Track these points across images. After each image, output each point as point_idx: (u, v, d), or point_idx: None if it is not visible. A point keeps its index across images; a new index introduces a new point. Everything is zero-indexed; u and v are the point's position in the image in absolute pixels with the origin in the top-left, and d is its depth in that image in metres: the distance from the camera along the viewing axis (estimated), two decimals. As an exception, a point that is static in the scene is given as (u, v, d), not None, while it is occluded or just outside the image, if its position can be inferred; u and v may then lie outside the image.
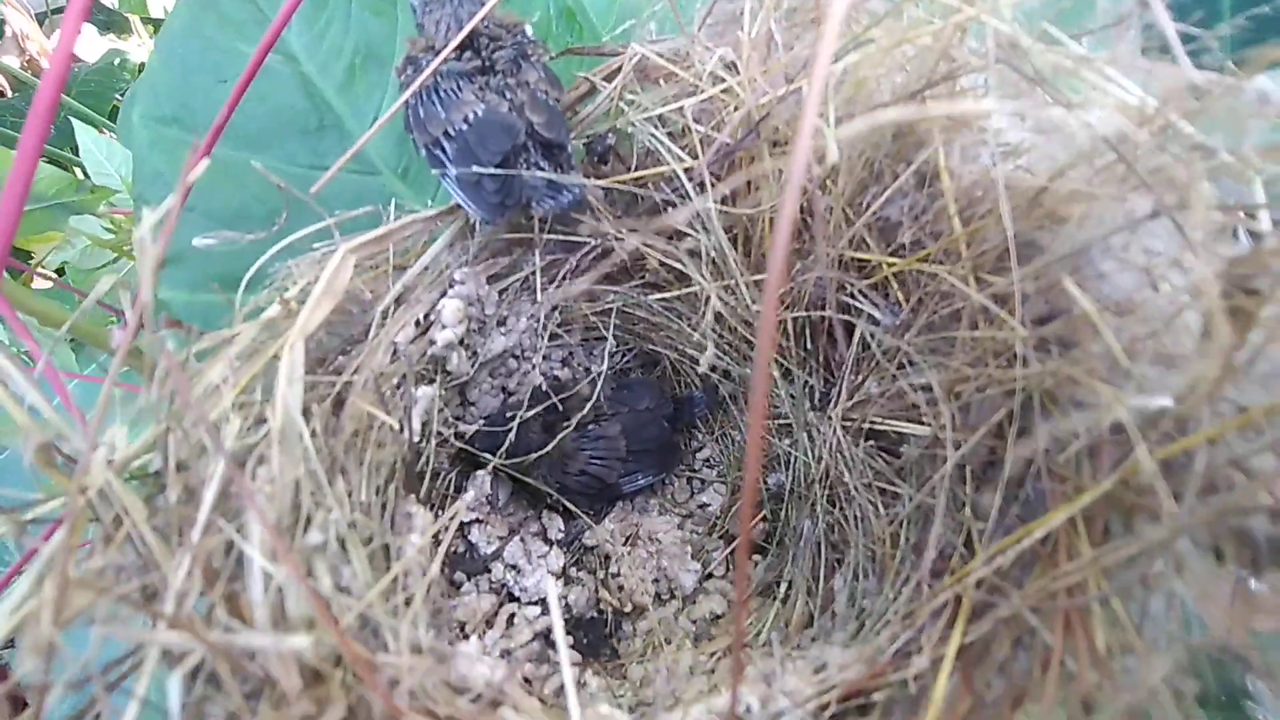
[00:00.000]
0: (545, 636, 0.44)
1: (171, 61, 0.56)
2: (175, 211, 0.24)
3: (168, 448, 0.27)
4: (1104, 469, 0.21)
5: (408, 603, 0.24)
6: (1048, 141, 0.25)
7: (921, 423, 0.33)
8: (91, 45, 1.41)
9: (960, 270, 0.28)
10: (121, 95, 1.24)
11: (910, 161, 0.30)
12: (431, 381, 0.38)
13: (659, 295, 0.46)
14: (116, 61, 1.23)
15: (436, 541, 0.31)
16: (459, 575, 0.45)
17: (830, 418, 0.38)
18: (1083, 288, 0.23)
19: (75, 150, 0.90)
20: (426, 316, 0.38)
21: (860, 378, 0.37)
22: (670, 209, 0.38)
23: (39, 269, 0.87)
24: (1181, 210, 0.20)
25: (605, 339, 0.48)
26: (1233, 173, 0.19)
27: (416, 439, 0.35)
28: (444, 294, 0.38)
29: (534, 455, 0.42)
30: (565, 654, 0.19)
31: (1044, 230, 0.26)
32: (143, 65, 1.28)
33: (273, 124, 0.57)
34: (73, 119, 0.88)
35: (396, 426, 0.31)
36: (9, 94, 1.25)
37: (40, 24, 1.40)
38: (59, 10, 1.41)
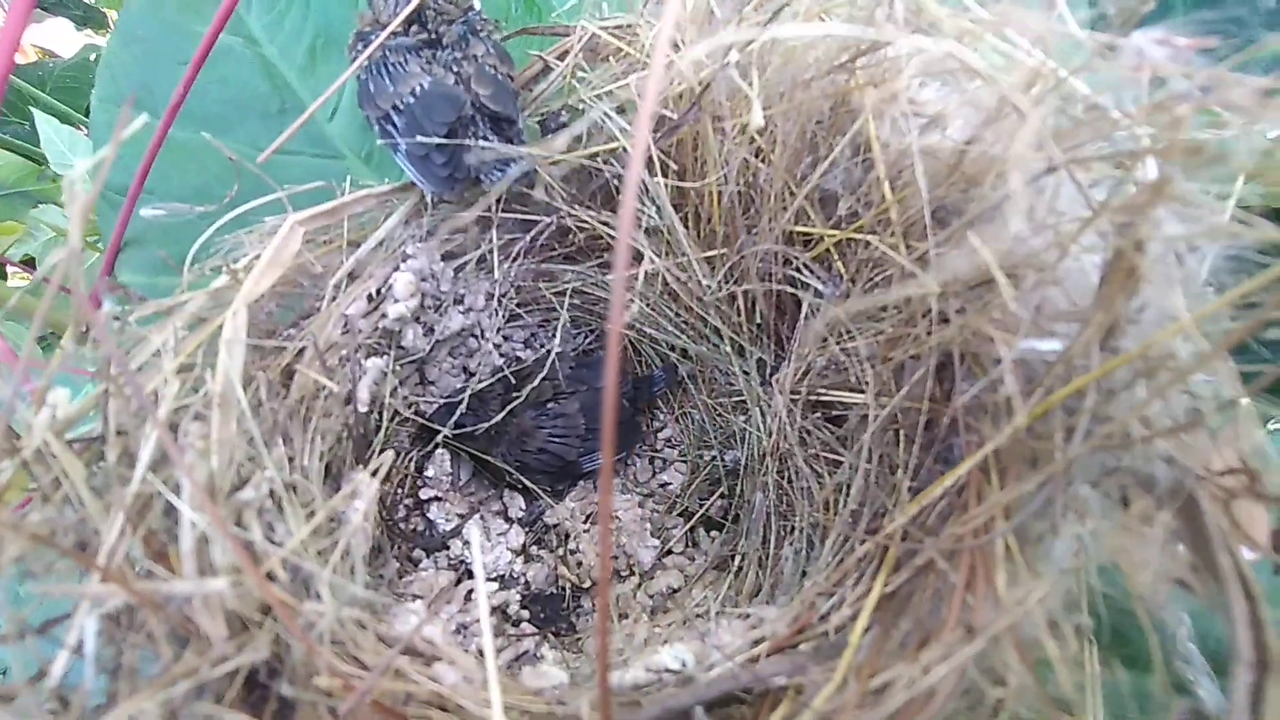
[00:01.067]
0: (503, 611, 0.44)
1: (131, 44, 0.56)
2: (108, 165, 0.24)
3: (107, 410, 0.27)
4: (1015, 409, 0.22)
5: (344, 557, 0.24)
6: (968, 110, 0.26)
7: (861, 391, 0.33)
8: (68, 40, 1.39)
9: (890, 238, 0.29)
10: None
11: (844, 132, 0.31)
12: (382, 354, 0.38)
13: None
14: (93, 57, 1.21)
15: (384, 508, 0.31)
16: (418, 552, 0.46)
17: (779, 389, 0.39)
18: (996, 246, 0.24)
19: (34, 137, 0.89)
20: (379, 291, 0.38)
21: (807, 350, 0.38)
22: (622, 183, 0.39)
23: (7, 262, 0.86)
24: (1076, 166, 0.21)
25: (562, 317, 0.48)
26: (1123, 128, 0.20)
27: (364, 409, 0.35)
28: (396, 268, 0.39)
29: (486, 426, 0.42)
30: (481, 577, 0.19)
31: (965, 195, 0.26)
32: None
33: (234, 107, 0.57)
34: (34, 110, 0.87)
35: (339, 393, 0.32)
36: None
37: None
38: (45, 7, 1.38)
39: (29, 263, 0.90)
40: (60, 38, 1.40)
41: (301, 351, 0.33)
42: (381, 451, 0.35)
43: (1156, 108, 0.19)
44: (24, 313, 0.54)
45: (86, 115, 1.14)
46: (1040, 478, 0.19)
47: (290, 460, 0.28)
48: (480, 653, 0.38)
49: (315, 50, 0.57)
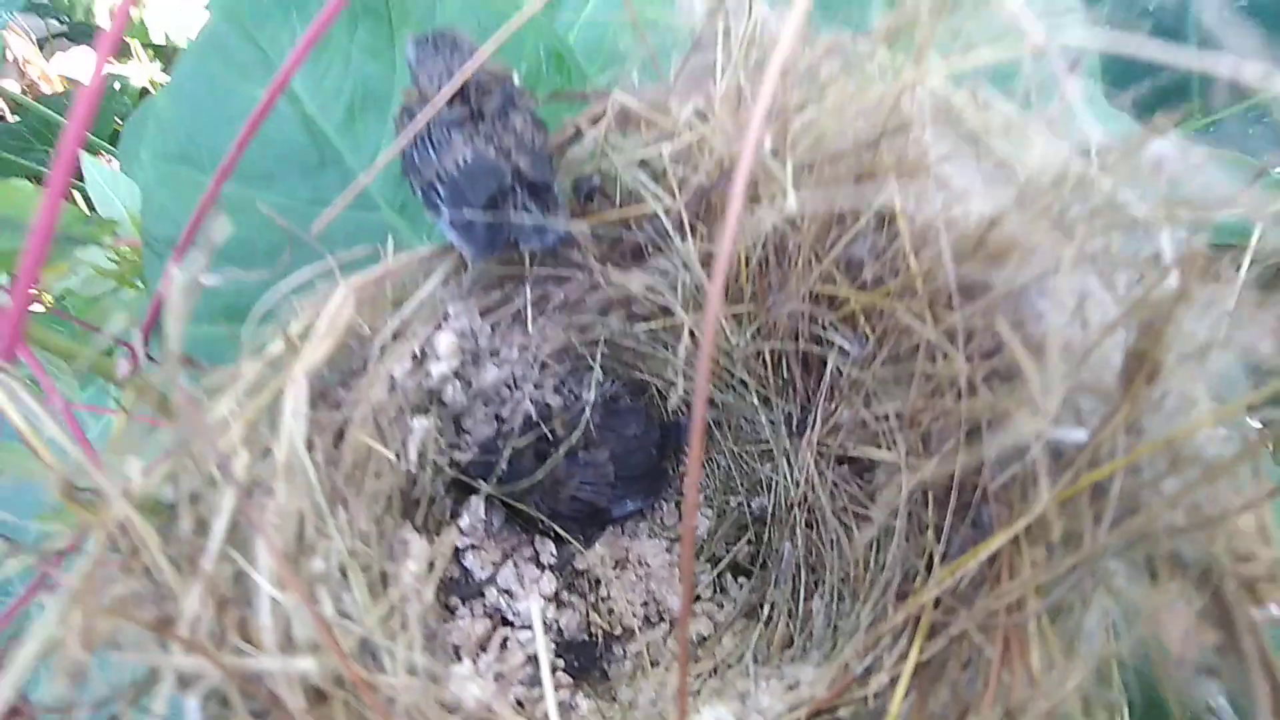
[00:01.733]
0: (537, 660, 0.45)
1: (180, 102, 0.59)
2: (190, 257, 0.26)
3: (180, 481, 0.29)
4: (1041, 495, 0.23)
5: (404, 626, 0.25)
6: (992, 188, 0.27)
7: (889, 449, 0.34)
8: (91, 69, 1.45)
9: (917, 306, 0.30)
10: (121, 119, 1.27)
11: (870, 203, 0.32)
12: (426, 412, 0.40)
13: (645, 325, 0.48)
14: (117, 86, 1.26)
15: (431, 566, 0.33)
16: (453, 600, 0.47)
17: (806, 444, 0.40)
18: (1023, 325, 0.25)
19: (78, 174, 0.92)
20: (422, 350, 0.40)
21: (834, 405, 0.39)
22: (652, 245, 0.41)
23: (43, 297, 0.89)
24: (1100, 257, 0.22)
25: (593, 367, 0.50)
26: (1143, 224, 0.21)
27: (413, 469, 0.37)
28: (438, 327, 0.40)
29: (526, 483, 0.44)
30: (547, 668, 0.21)
31: (991, 271, 0.28)
32: (143, 90, 1.31)
33: (276, 161, 0.60)
34: (81, 151, 0.91)
35: (394, 458, 0.33)
36: (9, 118, 1.28)
37: (40, 48, 1.43)
38: (60, 35, 1.44)
39: (60, 300, 0.94)
40: (85, 68, 1.46)
41: (350, 416, 0.35)
42: (429, 506, 0.37)
43: (1176, 207, 0.20)
44: (63, 354, 0.57)
45: (109, 142, 1.18)
46: (1071, 560, 0.20)
47: (349, 524, 0.29)
48: (520, 703, 0.39)
49: (353, 107, 0.60)
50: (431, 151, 0.37)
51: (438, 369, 0.39)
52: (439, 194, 0.37)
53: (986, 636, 0.22)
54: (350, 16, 0.58)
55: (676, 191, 0.37)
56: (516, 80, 0.39)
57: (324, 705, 0.23)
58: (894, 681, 0.25)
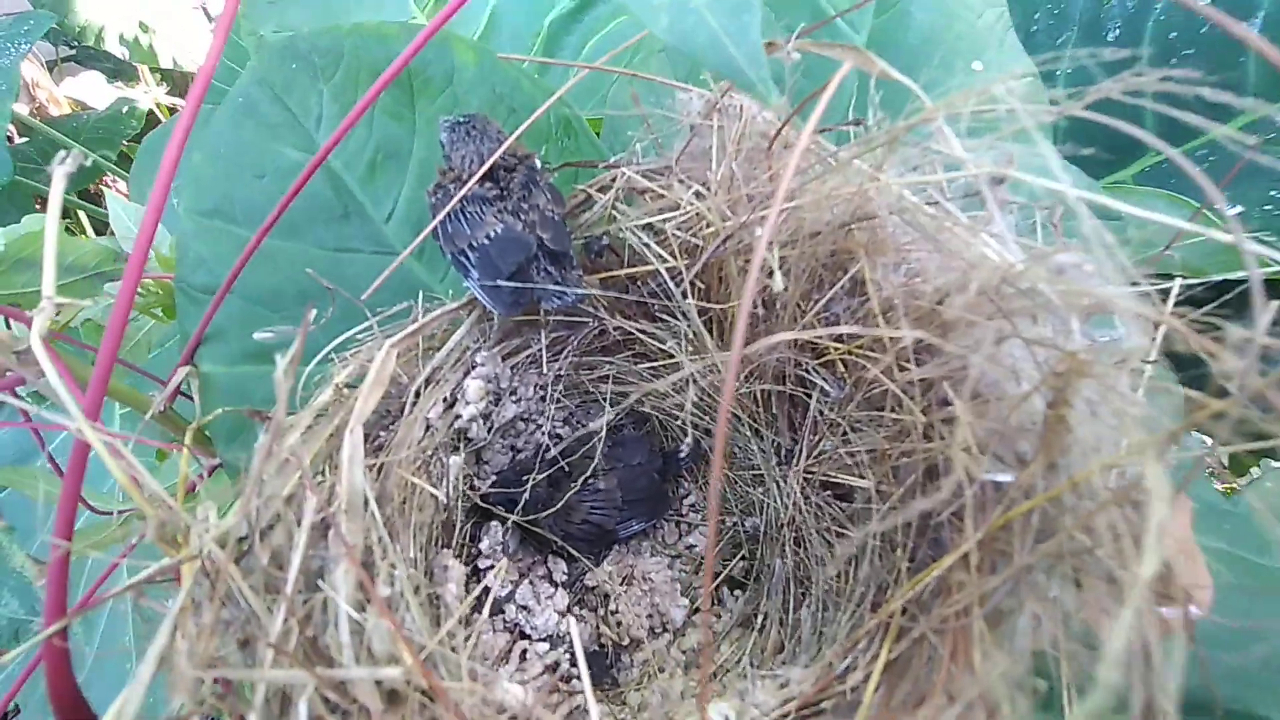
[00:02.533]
0: (553, 670, 0.50)
1: (215, 159, 0.64)
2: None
3: (253, 519, 0.34)
4: (987, 520, 0.29)
5: (465, 639, 0.30)
6: (942, 272, 0.33)
7: (864, 478, 0.40)
8: (100, 93, 1.49)
9: (885, 359, 0.36)
10: (129, 141, 1.30)
11: (846, 271, 0.38)
12: (457, 450, 0.45)
13: (647, 364, 0.53)
14: (125, 109, 1.31)
15: (468, 589, 0.37)
16: (475, 616, 0.51)
17: (793, 472, 0.45)
18: (964, 384, 0.31)
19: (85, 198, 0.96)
20: (452, 394, 0.45)
21: (817, 438, 0.45)
22: (655, 300, 0.46)
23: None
24: (1027, 333, 0.28)
25: (602, 401, 0.55)
26: (1057, 309, 0.27)
27: (450, 502, 0.42)
28: (467, 374, 0.45)
29: (545, 511, 0.49)
30: (585, 672, 0.26)
31: (943, 335, 0.34)
32: (149, 113, 1.35)
33: (303, 213, 0.65)
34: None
35: (439, 496, 0.38)
36: (17, 140, 1.30)
37: (50, 71, 1.47)
38: (69, 59, 1.48)
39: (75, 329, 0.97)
40: (93, 91, 1.50)
41: (391, 458, 0.40)
42: (460, 533, 0.41)
43: (1076, 298, 0.26)
44: (123, 399, 0.61)
45: (117, 164, 1.22)
46: (1004, 574, 0.26)
47: (401, 553, 0.34)
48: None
49: (375, 164, 0.65)
50: (465, 224, 0.42)
51: (468, 411, 0.44)
52: (469, 260, 0.42)
53: (940, 638, 0.27)
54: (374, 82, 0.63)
55: (678, 254, 0.43)
56: (538, 162, 0.45)
57: (395, 709, 0.27)
58: (868, 678, 0.30)
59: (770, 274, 0.30)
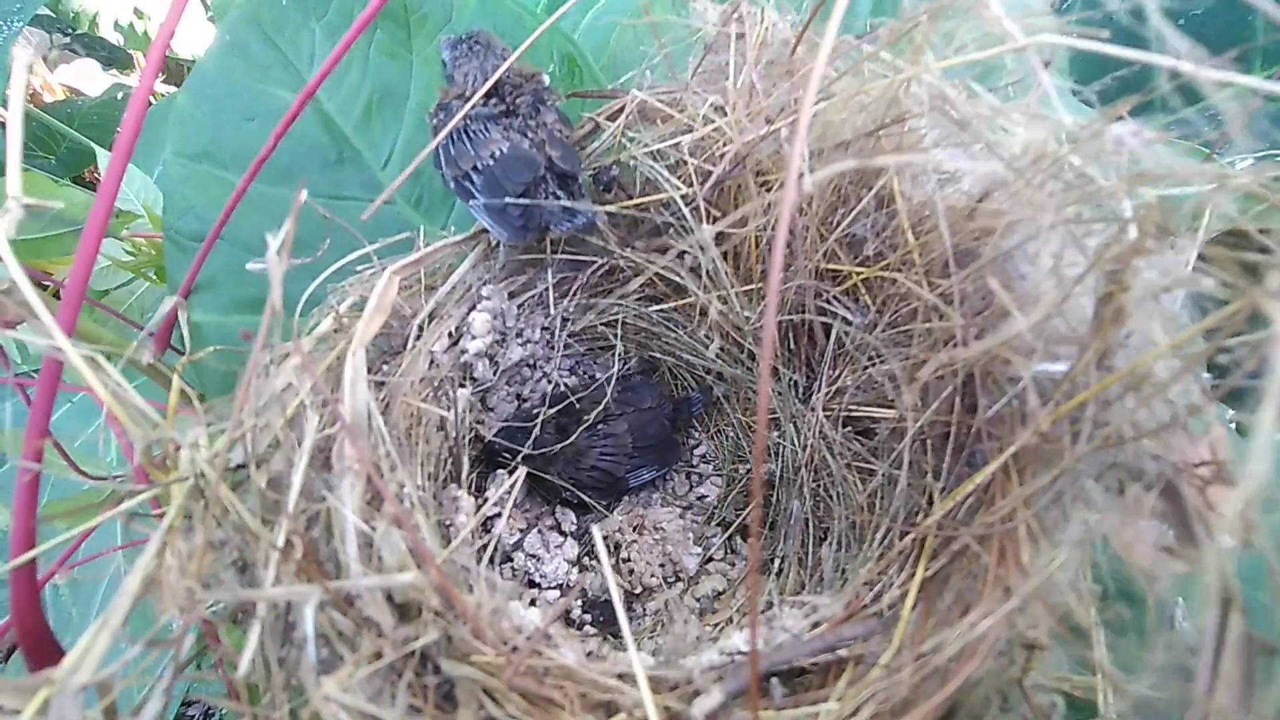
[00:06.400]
0: (567, 616, 0.48)
1: (203, 102, 0.61)
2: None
3: (249, 444, 0.32)
4: (1035, 421, 0.27)
5: (479, 559, 0.28)
6: (980, 168, 0.32)
7: (890, 407, 0.38)
8: (94, 80, 1.47)
9: (914, 276, 0.34)
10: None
11: (871, 187, 0.36)
12: (464, 385, 0.43)
13: (658, 306, 0.51)
14: (119, 96, 1.28)
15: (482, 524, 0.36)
16: (483, 565, 0.50)
17: (813, 408, 0.43)
18: (1007, 285, 0.29)
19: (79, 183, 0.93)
20: (457, 329, 0.43)
21: (837, 372, 0.43)
22: (669, 230, 0.44)
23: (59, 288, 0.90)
24: (1071, 223, 0.26)
25: (611, 347, 0.53)
26: (1107, 194, 0.25)
27: (459, 433, 0.40)
28: (472, 308, 0.43)
29: (550, 450, 0.47)
30: (613, 585, 0.24)
31: (979, 240, 0.32)
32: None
33: (296, 158, 0.62)
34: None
35: (449, 418, 0.36)
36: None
37: (44, 58, 1.44)
38: (63, 46, 1.46)
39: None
40: (88, 77, 1.48)
41: (397, 384, 0.38)
42: (472, 469, 0.40)
43: (1134, 180, 0.24)
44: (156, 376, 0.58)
45: (110, 149, 1.19)
46: (1054, 472, 0.24)
47: (409, 478, 0.33)
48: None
49: (370, 106, 0.62)
50: (468, 144, 0.40)
51: (474, 345, 0.42)
52: (474, 183, 0.40)
53: (984, 547, 0.26)
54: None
55: (694, 179, 0.41)
56: (546, 80, 0.42)
57: (408, 624, 0.26)
58: (904, 596, 0.28)
59: (800, 177, 0.29)
